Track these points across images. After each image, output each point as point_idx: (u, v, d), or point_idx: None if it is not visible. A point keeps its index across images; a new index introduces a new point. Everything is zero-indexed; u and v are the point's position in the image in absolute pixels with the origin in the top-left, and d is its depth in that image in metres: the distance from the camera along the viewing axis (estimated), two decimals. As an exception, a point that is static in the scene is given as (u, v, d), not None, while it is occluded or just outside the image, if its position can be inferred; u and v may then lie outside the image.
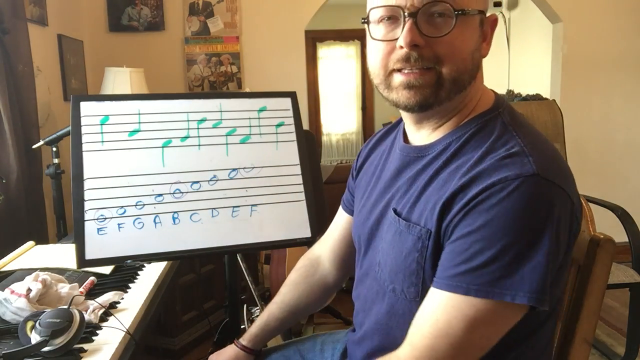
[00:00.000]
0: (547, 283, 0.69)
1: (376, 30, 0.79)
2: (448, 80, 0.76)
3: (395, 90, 0.79)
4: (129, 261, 1.21)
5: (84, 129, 1.25)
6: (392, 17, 0.77)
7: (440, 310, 0.72)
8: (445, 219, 0.73)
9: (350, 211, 1.09)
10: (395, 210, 0.83)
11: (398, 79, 0.78)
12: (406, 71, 0.77)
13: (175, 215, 1.27)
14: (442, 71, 0.76)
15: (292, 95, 1.47)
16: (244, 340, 1.15)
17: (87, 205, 1.20)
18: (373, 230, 0.90)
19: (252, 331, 1.16)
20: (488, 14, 0.81)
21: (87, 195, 1.21)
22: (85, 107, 1.27)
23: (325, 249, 1.16)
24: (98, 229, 1.20)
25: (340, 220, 1.13)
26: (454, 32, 0.74)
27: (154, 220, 1.25)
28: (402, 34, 0.75)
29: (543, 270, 0.68)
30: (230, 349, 1.15)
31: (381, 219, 0.88)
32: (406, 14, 0.74)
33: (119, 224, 1.22)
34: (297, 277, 1.16)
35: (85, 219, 1.19)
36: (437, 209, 0.74)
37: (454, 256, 0.71)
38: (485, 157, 0.73)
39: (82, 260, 1.17)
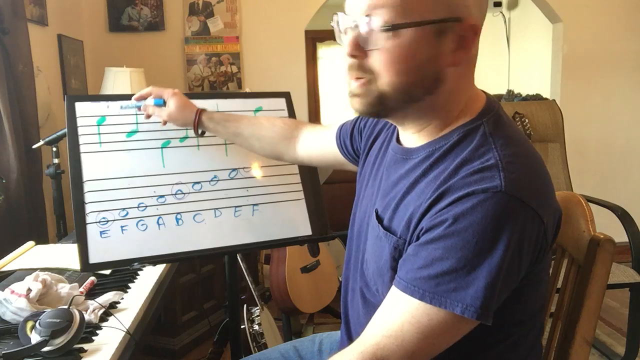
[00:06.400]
0: (494, 300, 0.69)
1: (340, 38, 0.81)
2: (387, 91, 0.76)
3: (349, 97, 0.81)
4: (136, 264, 1.21)
5: (80, 130, 1.25)
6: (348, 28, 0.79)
7: (396, 311, 0.72)
8: (417, 229, 0.74)
9: (340, 147, 1.12)
10: (377, 214, 0.84)
11: (348, 86, 0.81)
12: (349, 79, 0.79)
13: (179, 217, 1.27)
14: (378, 82, 0.76)
15: (287, 96, 1.48)
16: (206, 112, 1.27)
17: (88, 208, 1.20)
18: (364, 226, 0.92)
19: (215, 114, 1.28)
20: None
21: (88, 197, 1.20)
22: (81, 107, 1.27)
23: (306, 139, 1.22)
24: (101, 232, 1.20)
25: (328, 139, 1.16)
26: (388, 45, 0.74)
27: (157, 222, 1.25)
28: (346, 43, 0.77)
29: (492, 288, 0.68)
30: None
31: (369, 218, 0.90)
32: (352, 25, 0.76)
33: (122, 227, 1.21)
34: (278, 121, 1.27)
35: (87, 222, 1.19)
36: (412, 221, 0.75)
37: (416, 259, 0.72)
38: (460, 170, 0.73)
39: (86, 265, 1.17)
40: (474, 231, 0.67)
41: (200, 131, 1.29)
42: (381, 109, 0.79)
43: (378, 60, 0.75)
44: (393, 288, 0.74)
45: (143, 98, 1.29)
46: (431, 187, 0.74)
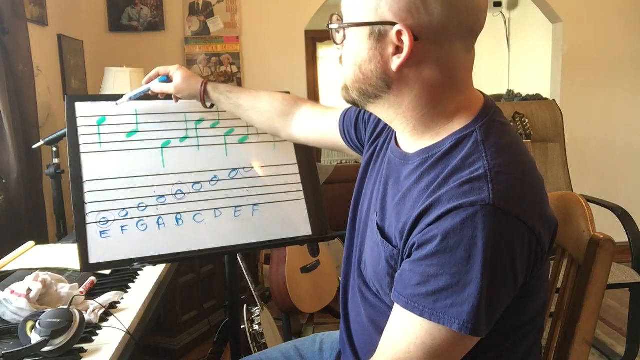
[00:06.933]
0: (491, 316, 0.69)
1: None
2: (347, 84, 0.83)
3: None
4: (136, 264, 1.21)
5: (80, 130, 1.25)
6: None
7: (400, 330, 0.73)
8: (409, 241, 0.74)
9: (343, 134, 1.12)
10: (376, 217, 0.85)
11: None
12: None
13: (179, 217, 1.27)
14: (343, 74, 0.84)
15: None
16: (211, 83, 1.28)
17: (88, 208, 1.20)
18: (363, 225, 0.92)
19: (220, 85, 1.29)
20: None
21: (88, 197, 1.20)
22: (81, 107, 1.27)
23: (305, 119, 1.21)
24: (101, 232, 1.20)
25: (330, 122, 1.16)
26: (344, 43, 0.82)
27: (157, 222, 1.25)
28: None
29: (488, 304, 0.68)
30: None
31: (367, 219, 0.90)
32: None
33: (122, 227, 1.21)
34: (278, 97, 1.25)
35: (87, 222, 1.19)
36: (405, 232, 0.75)
37: (412, 276, 0.71)
38: (450, 179, 0.72)
39: (86, 265, 1.17)
40: (464, 247, 0.67)
41: (209, 104, 1.30)
42: (350, 99, 0.85)
43: (343, 55, 0.83)
44: (396, 305, 0.74)
45: (151, 79, 1.31)
46: (422, 196, 0.74)
